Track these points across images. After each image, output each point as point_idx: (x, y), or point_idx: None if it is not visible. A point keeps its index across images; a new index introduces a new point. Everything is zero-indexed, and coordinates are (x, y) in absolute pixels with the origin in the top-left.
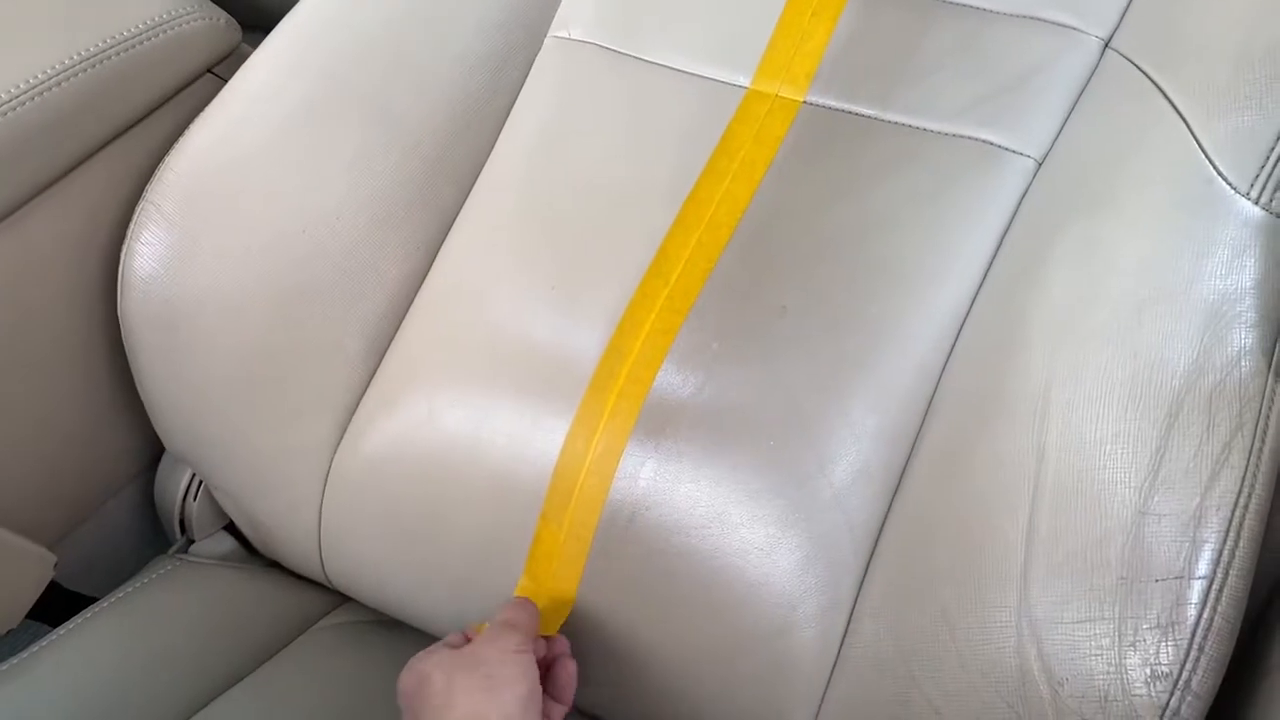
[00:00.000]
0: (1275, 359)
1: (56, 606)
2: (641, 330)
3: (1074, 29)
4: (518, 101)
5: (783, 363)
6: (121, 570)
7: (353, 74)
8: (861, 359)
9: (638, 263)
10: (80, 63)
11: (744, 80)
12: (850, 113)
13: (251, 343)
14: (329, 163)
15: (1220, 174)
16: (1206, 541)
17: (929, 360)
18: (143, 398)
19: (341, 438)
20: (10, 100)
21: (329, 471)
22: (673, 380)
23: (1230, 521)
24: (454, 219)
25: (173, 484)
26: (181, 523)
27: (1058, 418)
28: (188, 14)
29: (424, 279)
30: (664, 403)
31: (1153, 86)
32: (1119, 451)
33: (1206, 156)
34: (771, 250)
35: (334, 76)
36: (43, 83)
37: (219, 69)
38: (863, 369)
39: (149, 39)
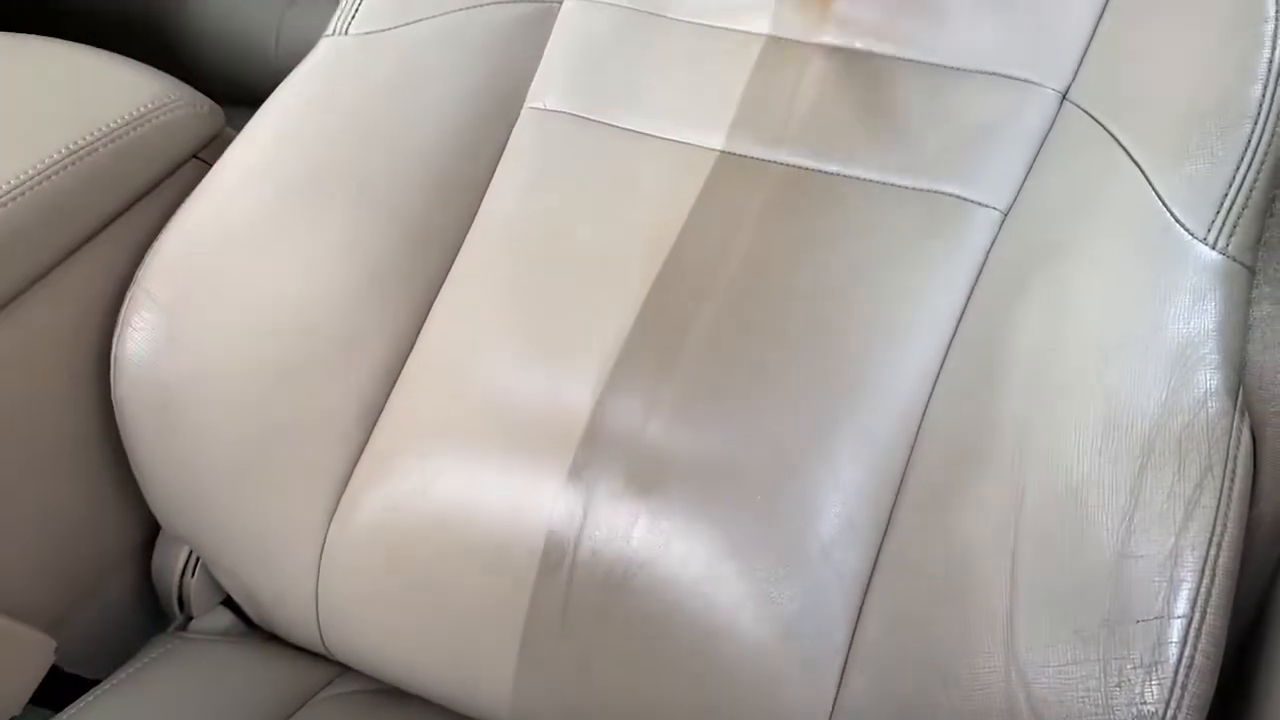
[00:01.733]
0: (1239, 399)
1: (58, 691)
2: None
3: (1032, 83)
4: (497, 170)
5: (767, 418)
6: (121, 650)
7: (335, 153)
8: (842, 412)
9: (621, 324)
10: (68, 157)
11: (716, 142)
12: (820, 171)
13: (244, 421)
14: (315, 241)
15: (1178, 221)
16: (1184, 581)
17: (908, 411)
18: (138, 479)
19: (336, 509)
20: (0, 197)
21: (324, 543)
22: (661, 438)
23: (1205, 560)
24: (439, 287)
25: (170, 562)
26: (180, 600)
27: (1035, 464)
28: (172, 102)
29: (412, 348)
30: (653, 460)
31: (1109, 136)
32: (1095, 496)
33: (1164, 204)
34: (749, 307)
35: (316, 157)
36: (31, 178)
37: (204, 153)
38: (844, 422)
39: (135, 129)
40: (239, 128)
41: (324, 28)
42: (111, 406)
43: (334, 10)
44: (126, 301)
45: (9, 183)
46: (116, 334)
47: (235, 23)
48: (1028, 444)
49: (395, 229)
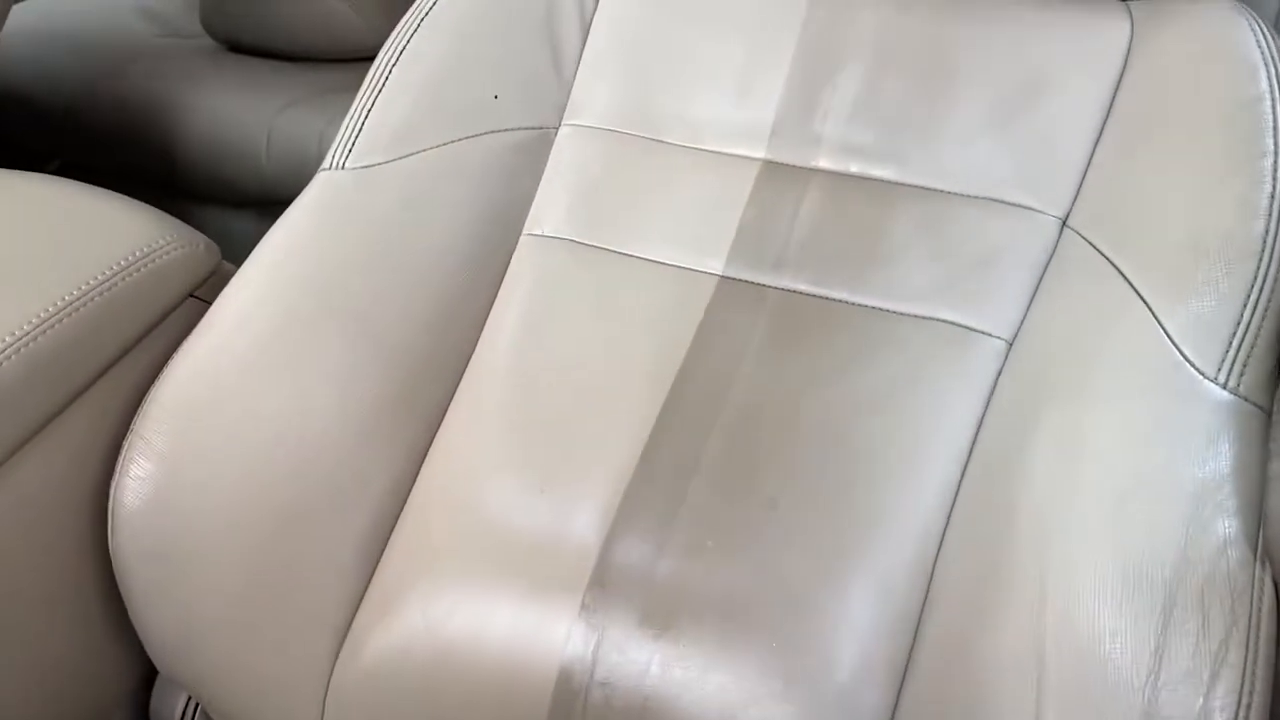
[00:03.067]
0: (1260, 548)
1: None
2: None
3: (1031, 209)
4: (497, 300)
5: (778, 557)
6: None
7: (333, 290)
8: (855, 550)
9: (626, 458)
10: (64, 309)
11: (716, 267)
12: (823, 298)
13: (244, 567)
14: (312, 380)
15: (1187, 359)
16: None
17: (922, 549)
18: (136, 627)
19: (339, 652)
20: None
21: (328, 687)
22: (672, 578)
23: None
24: (440, 421)
25: (169, 707)
26: None
27: (1054, 614)
28: (168, 244)
29: (413, 485)
30: (666, 600)
31: (1112, 269)
32: (1118, 651)
33: (1172, 342)
34: (756, 441)
35: (314, 295)
36: (26, 333)
37: (200, 291)
38: (857, 560)
39: (131, 274)
40: (232, 230)
41: (313, 135)
42: (109, 554)
43: (322, 116)
44: (124, 450)
45: (3, 340)
46: (114, 483)
47: (227, 130)
48: (1047, 591)
49: (395, 364)
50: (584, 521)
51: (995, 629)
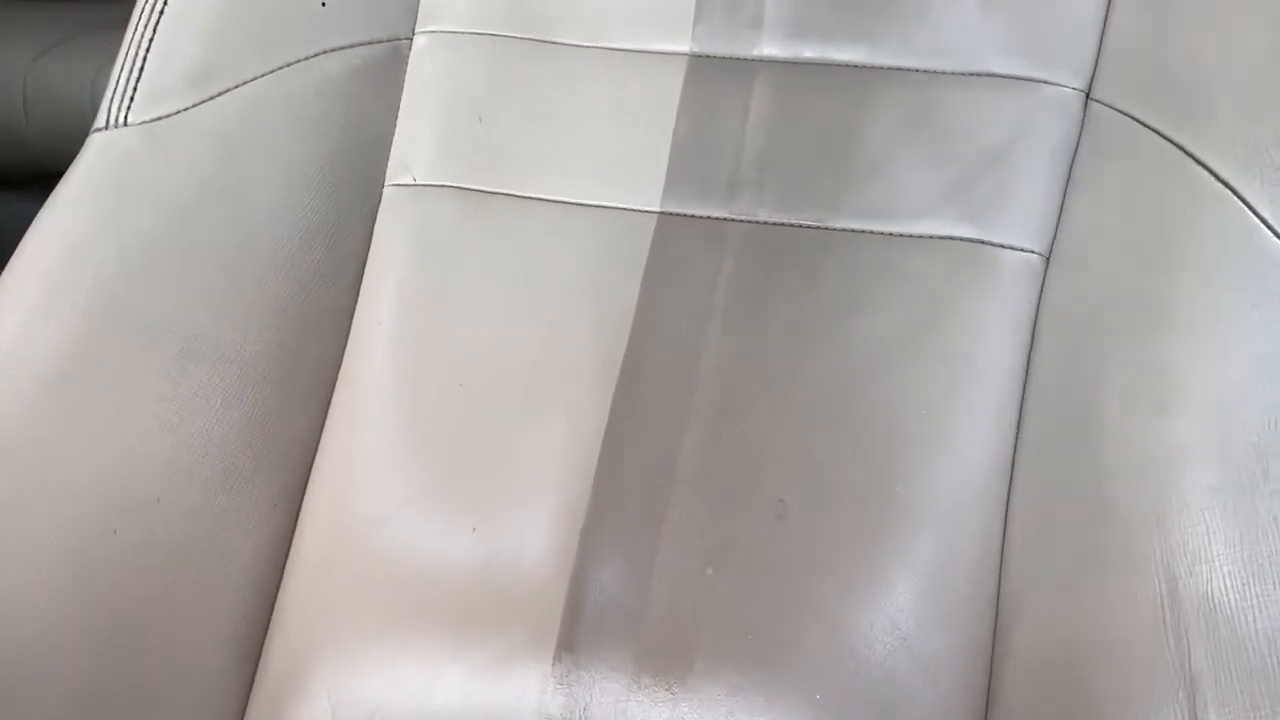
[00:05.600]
0: None
1: None
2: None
3: (1041, 81)
4: (365, 282)
5: (801, 577)
6: None
7: (136, 296)
8: (897, 558)
9: (578, 471)
10: None
11: (651, 201)
12: (796, 226)
13: (78, 693)
14: (128, 426)
15: None
16: None
17: (981, 537)
18: None
19: None
20: None
21: None
22: (668, 621)
23: None
24: (315, 451)
25: None
26: None
27: (1192, 597)
28: None
29: (292, 540)
30: (664, 649)
31: (1173, 148)
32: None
33: (1276, 235)
34: (744, 427)
35: (109, 305)
36: None
37: None
38: (902, 571)
39: None
40: None
41: (83, 85)
42: None
43: (93, 61)
44: None
45: None
46: None
47: None
48: (1176, 572)
49: (243, 385)
50: (537, 563)
51: (1111, 623)
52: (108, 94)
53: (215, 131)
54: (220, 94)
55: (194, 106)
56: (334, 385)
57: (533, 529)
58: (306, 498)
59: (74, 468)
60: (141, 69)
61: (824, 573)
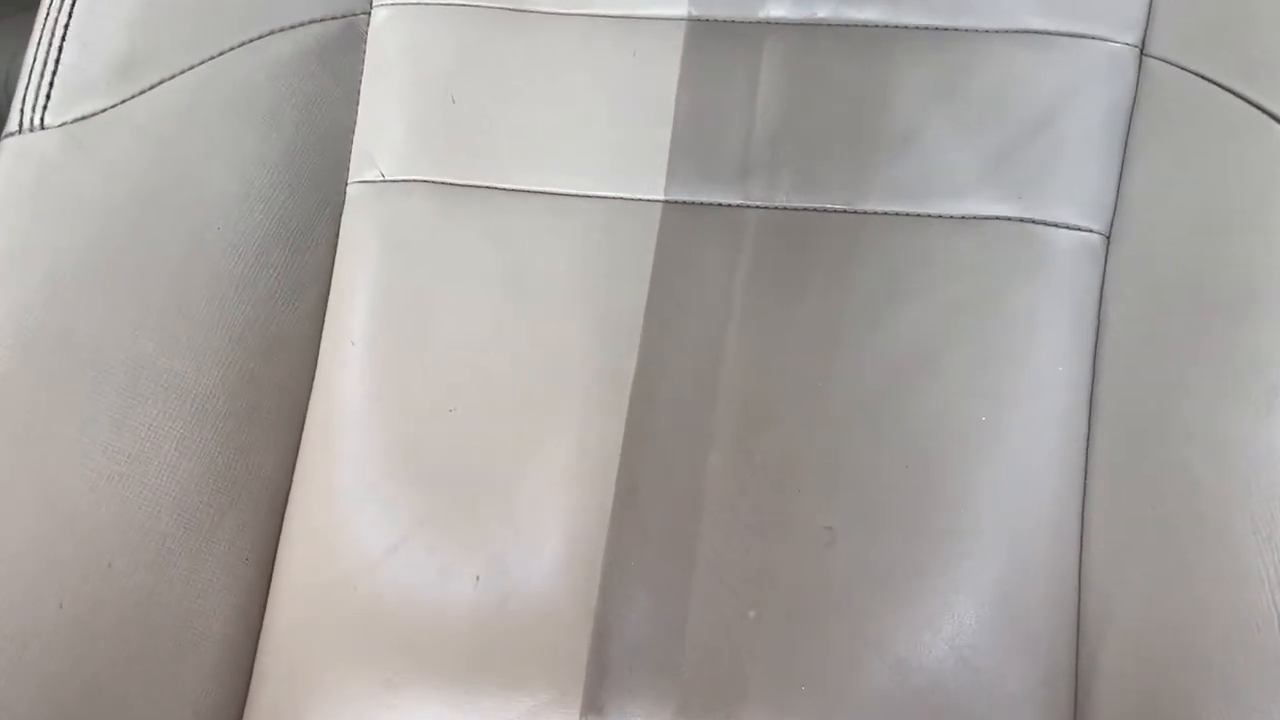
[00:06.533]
0: None
1: None
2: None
3: (1088, 37)
4: (334, 289)
5: (855, 616)
6: None
7: (69, 325)
8: (962, 585)
9: (592, 503)
10: None
11: (654, 188)
12: (817, 210)
13: None
14: (69, 482)
15: None
16: None
17: (1059, 561)
18: None
19: None
20: None
21: None
22: (706, 674)
23: None
24: (287, 492)
25: None
26: None
27: None
28: None
29: (268, 596)
30: (705, 703)
31: (1251, 109)
32: None
33: None
34: (778, 443)
35: (34, 339)
36: None
37: None
38: (969, 599)
39: None
40: None
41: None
42: None
43: (2, 51)
44: None
45: None
46: None
47: None
48: None
49: (201, 424)
50: (553, 610)
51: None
52: (19, 91)
53: (148, 131)
54: (152, 87)
55: (121, 103)
56: (304, 417)
57: (545, 571)
58: (281, 547)
59: (8, 536)
60: (58, 61)
61: (882, 607)
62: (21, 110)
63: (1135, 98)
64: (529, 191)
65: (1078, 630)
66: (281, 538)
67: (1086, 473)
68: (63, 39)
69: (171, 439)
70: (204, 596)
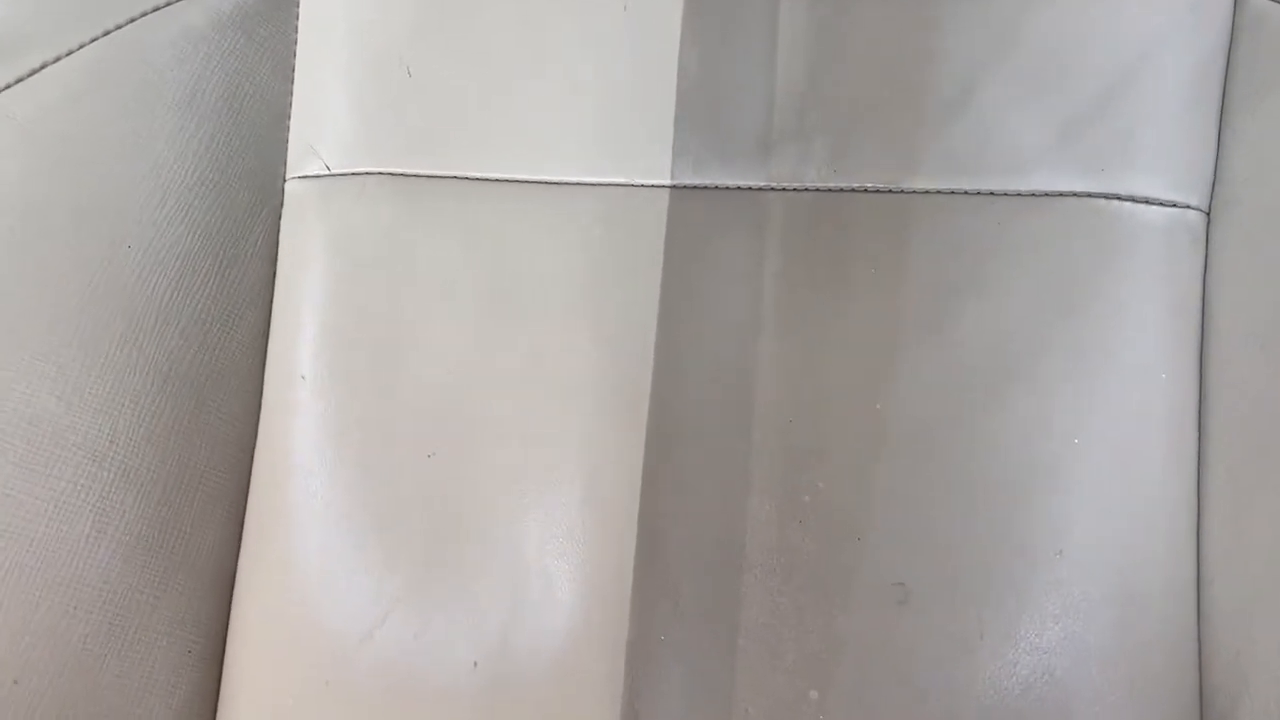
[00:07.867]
0: None
1: None
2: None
3: None
4: (276, 312)
5: (940, 687)
6: None
7: None
8: (1063, 642)
9: (611, 565)
10: None
11: (659, 172)
12: (856, 190)
13: None
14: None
15: None
16: None
17: (1175, 603)
18: None
19: None
20: None
21: None
22: None
23: None
24: (234, 569)
25: None
26: None
27: None
28: None
29: (217, 701)
30: None
31: None
32: None
33: None
34: (829, 483)
35: None
36: None
37: None
38: (1073, 658)
39: None
40: None
41: None
42: None
43: None
44: None
45: None
46: None
47: None
48: None
49: (115, 495)
50: (575, 691)
51: None
52: None
53: (32, 127)
54: (33, 73)
55: (3, 89)
56: (249, 474)
57: (557, 650)
58: (231, 638)
59: None
60: None
61: (970, 676)
62: None
63: (1232, 46)
64: (506, 180)
65: (1200, 695)
66: (231, 625)
67: (1200, 495)
68: None
69: (86, 515)
70: (140, 703)
